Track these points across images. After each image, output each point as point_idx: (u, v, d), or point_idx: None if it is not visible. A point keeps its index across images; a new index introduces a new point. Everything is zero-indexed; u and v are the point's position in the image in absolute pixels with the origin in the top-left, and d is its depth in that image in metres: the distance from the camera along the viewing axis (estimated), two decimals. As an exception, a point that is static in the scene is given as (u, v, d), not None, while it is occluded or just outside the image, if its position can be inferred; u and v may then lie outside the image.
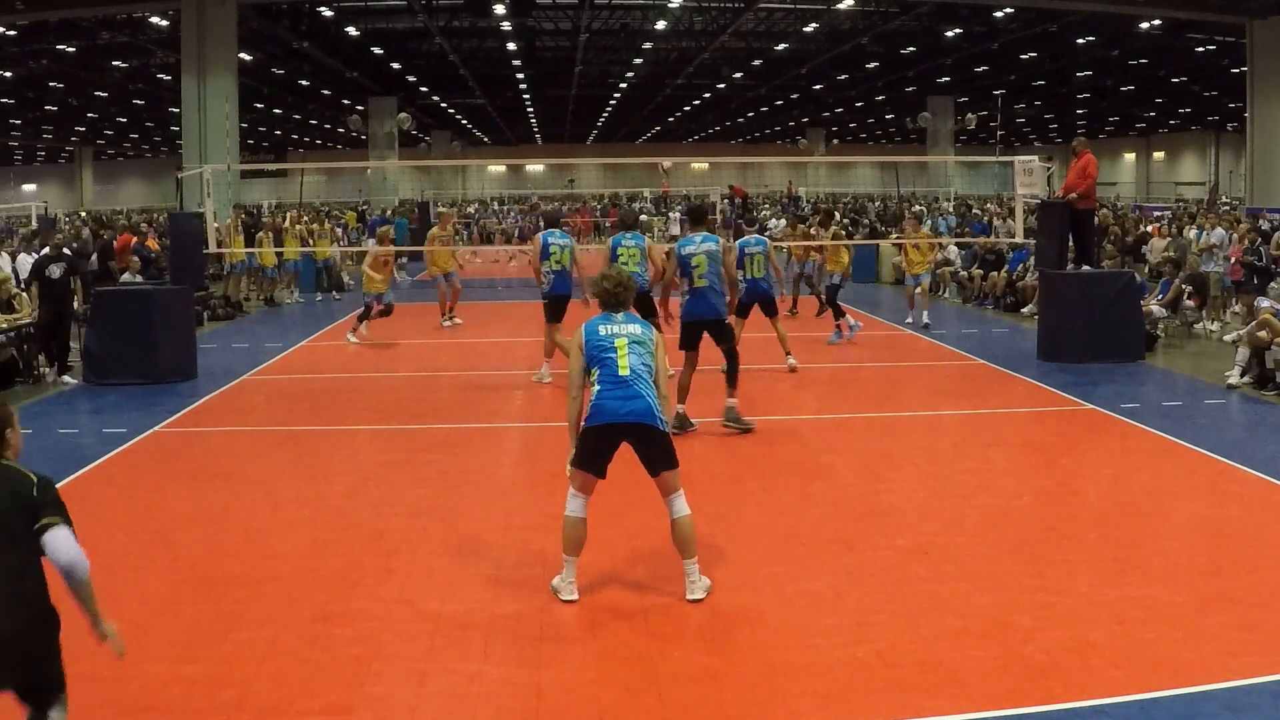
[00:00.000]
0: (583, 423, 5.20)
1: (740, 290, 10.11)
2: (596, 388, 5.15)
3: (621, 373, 5.11)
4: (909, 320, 14.94)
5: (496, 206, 47.44)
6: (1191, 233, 16.96)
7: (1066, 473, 7.53)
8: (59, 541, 3.33)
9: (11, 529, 3.26)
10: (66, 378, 11.33)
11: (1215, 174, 54.59)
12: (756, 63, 37.20)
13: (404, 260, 26.02)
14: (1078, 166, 12.54)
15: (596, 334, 5.25)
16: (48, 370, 11.52)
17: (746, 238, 11.14)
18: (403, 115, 38.60)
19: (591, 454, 5.20)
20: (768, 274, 10.80)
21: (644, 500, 6.98)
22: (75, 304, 12.00)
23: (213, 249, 15.29)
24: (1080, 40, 32.06)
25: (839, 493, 7.19)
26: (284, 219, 22.48)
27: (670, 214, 32.74)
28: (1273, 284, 12.58)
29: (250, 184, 50.59)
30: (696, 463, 8.04)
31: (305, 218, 23.72)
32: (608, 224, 38.47)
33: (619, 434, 5.16)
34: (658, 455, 5.18)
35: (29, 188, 61.35)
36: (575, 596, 5.21)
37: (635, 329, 5.27)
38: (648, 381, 5.14)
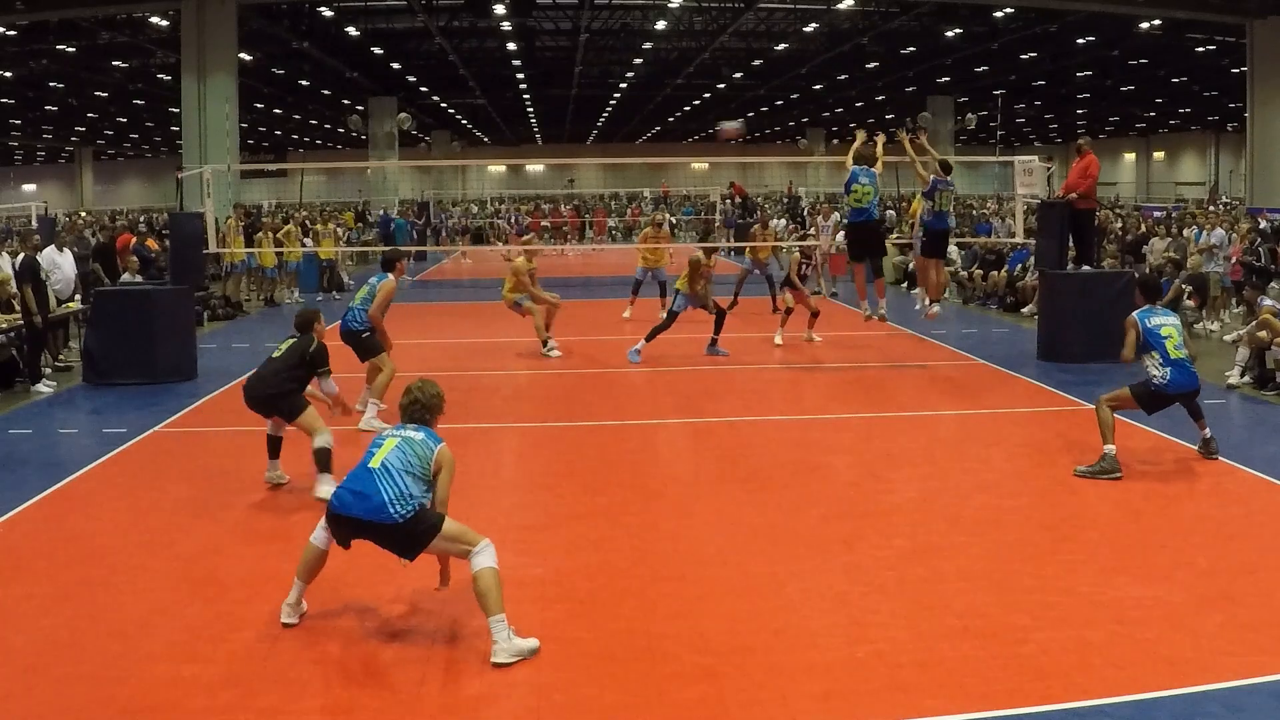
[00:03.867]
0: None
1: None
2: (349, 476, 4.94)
3: (371, 464, 4.83)
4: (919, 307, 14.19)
5: (498, 206, 47.47)
6: (1191, 233, 16.95)
7: (1066, 473, 7.52)
8: (326, 381, 7.34)
9: (305, 365, 7.21)
10: (40, 386, 11.03)
11: (1215, 174, 54.56)
12: (756, 63, 37.18)
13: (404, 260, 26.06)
14: (1079, 166, 12.54)
15: (381, 437, 5.06)
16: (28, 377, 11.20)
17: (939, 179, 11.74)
18: (403, 115, 38.53)
19: (332, 529, 4.94)
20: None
21: (646, 498, 7.00)
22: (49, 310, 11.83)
23: (213, 249, 15.30)
24: (1080, 40, 32.02)
25: (839, 493, 7.19)
26: (283, 220, 22.51)
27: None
28: (1273, 283, 12.57)
29: (250, 184, 50.56)
30: (696, 462, 8.04)
31: (304, 217, 23.74)
32: (609, 223, 38.55)
33: (351, 526, 4.83)
34: (402, 546, 4.83)
35: (29, 188, 61.28)
36: (294, 621, 4.99)
37: (418, 434, 4.97)
38: (396, 480, 4.75)
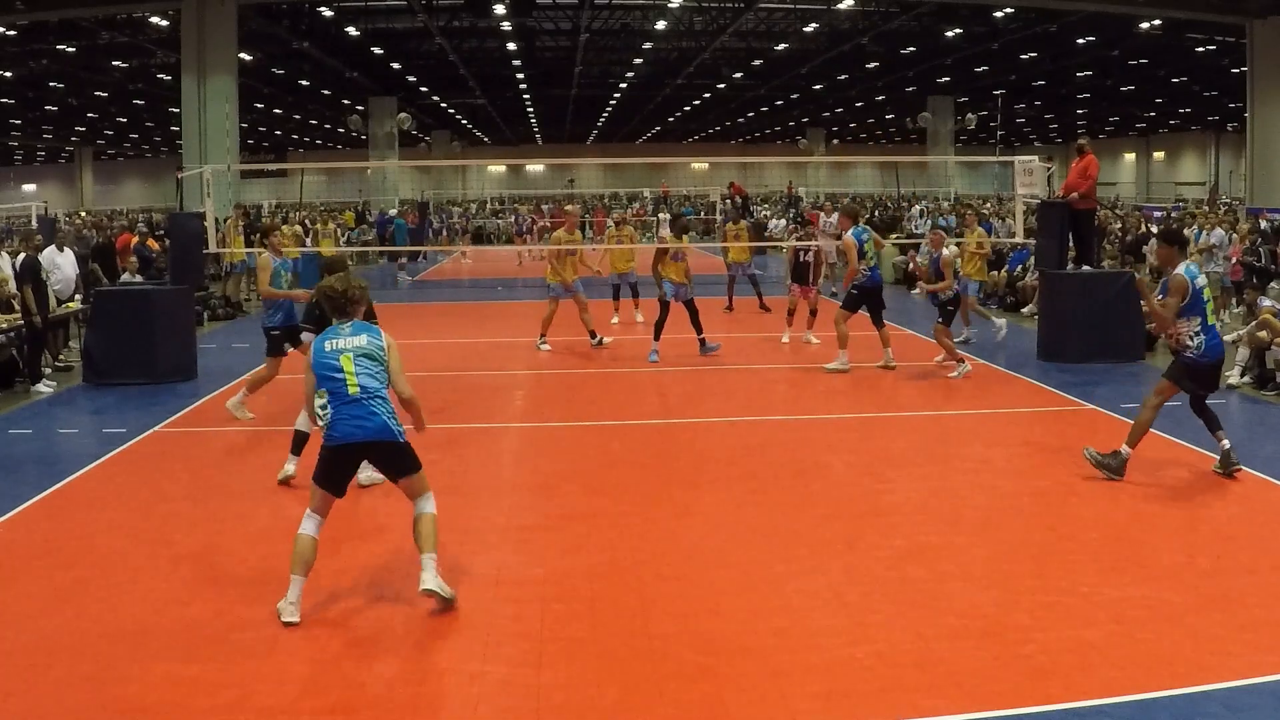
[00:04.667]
0: (322, 442, 5.19)
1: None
2: (329, 411, 5.11)
3: (351, 392, 5.06)
4: (965, 337, 13.40)
5: (498, 207, 47.49)
6: (1191, 233, 16.95)
7: (1066, 473, 7.52)
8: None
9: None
10: (40, 386, 11.01)
11: (1215, 174, 54.59)
12: (756, 63, 37.20)
13: (404, 260, 26.08)
14: (1079, 167, 12.54)
15: (322, 351, 5.14)
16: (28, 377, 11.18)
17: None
18: (403, 115, 38.61)
19: (330, 473, 5.16)
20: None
21: (646, 498, 7.00)
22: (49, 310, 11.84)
23: (213, 249, 15.31)
24: (1080, 40, 32.05)
25: (839, 493, 7.19)
26: (282, 220, 22.53)
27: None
28: (1273, 284, 12.58)
29: (250, 184, 50.64)
30: (696, 462, 8.04)
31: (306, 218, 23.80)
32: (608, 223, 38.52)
33: (358, 452, 5.18)
34: (397, 465, 5.21)
35: (29, 188, 61.32)
36: (296, 619, 4.99)
37: (361, 340, 5.16)
38: (380, 397, 5.11)
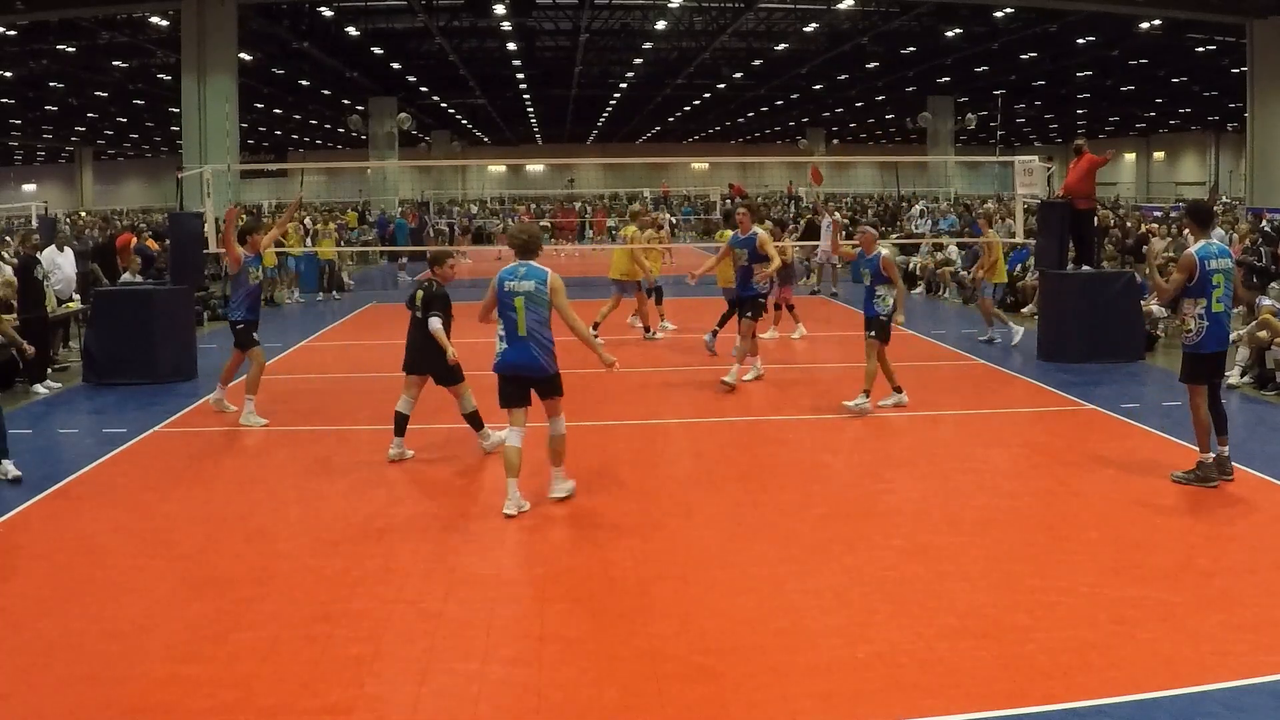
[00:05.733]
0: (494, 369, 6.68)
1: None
2: (502, 343, 6.57)
3: (519, 332, 6.50)
4: (989, 337, 13.47)
5: (498, 205, 47.48)
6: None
7: (1066, 473, 7.52)
8: (433, 323, 7.81)
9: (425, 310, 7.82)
10: (39, 387, 11.00)
11: (1215, 174, 54.58)
12: (756, 63, 37.19)
13: (405, 260, 26.07)
14: (1079, 168, 12.53)
15: (503, 286, 6.57)
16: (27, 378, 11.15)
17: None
18: (403, 115, 38.58)
19: (508, 394, 6.67)
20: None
21: (646, 498, 7.01)
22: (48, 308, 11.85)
23: (213, 249, 15.30)
24: (1080, 40, 32.04)
25: (839, 493, 7.19)
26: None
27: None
28: (1273, 284, 12.57)
29: (250, 184, 50.61)
30: (696, 462, 8.04)
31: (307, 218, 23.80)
32: (609, 223, 38.52)
33: (522, 381, 6.62)
34: (543, 389, 6.69)
35: (29, 188, 61.31)
36: (514, 511, 6.52)
37: (530, 285, 6.50)
38: (537, 338, 6.50)
